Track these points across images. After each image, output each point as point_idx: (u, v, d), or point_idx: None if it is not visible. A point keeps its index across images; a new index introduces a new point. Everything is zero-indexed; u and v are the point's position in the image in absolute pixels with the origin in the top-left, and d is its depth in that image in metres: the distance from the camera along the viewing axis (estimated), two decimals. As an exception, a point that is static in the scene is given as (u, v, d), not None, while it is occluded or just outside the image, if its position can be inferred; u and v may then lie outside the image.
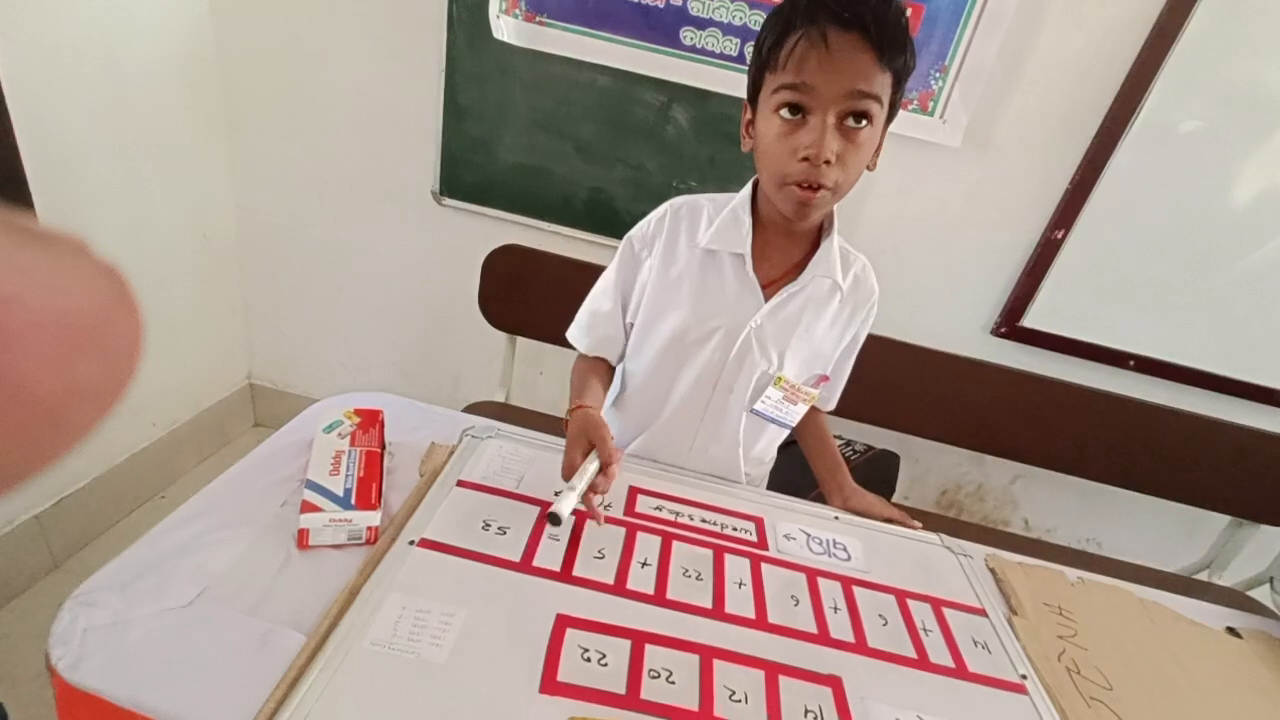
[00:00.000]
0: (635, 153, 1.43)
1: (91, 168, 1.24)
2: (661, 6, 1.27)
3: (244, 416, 1.88)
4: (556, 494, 0.63)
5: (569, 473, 0.68)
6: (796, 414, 0.88)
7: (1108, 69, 1.24)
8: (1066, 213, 1.36)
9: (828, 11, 0.63)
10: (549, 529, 0.64)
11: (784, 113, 0.67)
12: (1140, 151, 1.28)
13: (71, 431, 0.15)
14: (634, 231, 0.88)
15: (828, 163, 0.66)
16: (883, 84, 0.65)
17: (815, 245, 0.82)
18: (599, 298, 0.91)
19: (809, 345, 0.84)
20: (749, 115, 0.75)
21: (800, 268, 0.81)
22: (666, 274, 0.84)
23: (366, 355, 1.80)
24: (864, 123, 0.66)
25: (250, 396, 1.87)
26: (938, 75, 1.28)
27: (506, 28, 1.32)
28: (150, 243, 1.42)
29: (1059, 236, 1.38)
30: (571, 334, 0.93)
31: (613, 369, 0.94)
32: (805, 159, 0.66)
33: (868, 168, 0.72)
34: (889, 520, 0.86)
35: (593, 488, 0.66)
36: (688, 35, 1.29)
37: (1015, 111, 1.31)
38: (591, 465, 0.66)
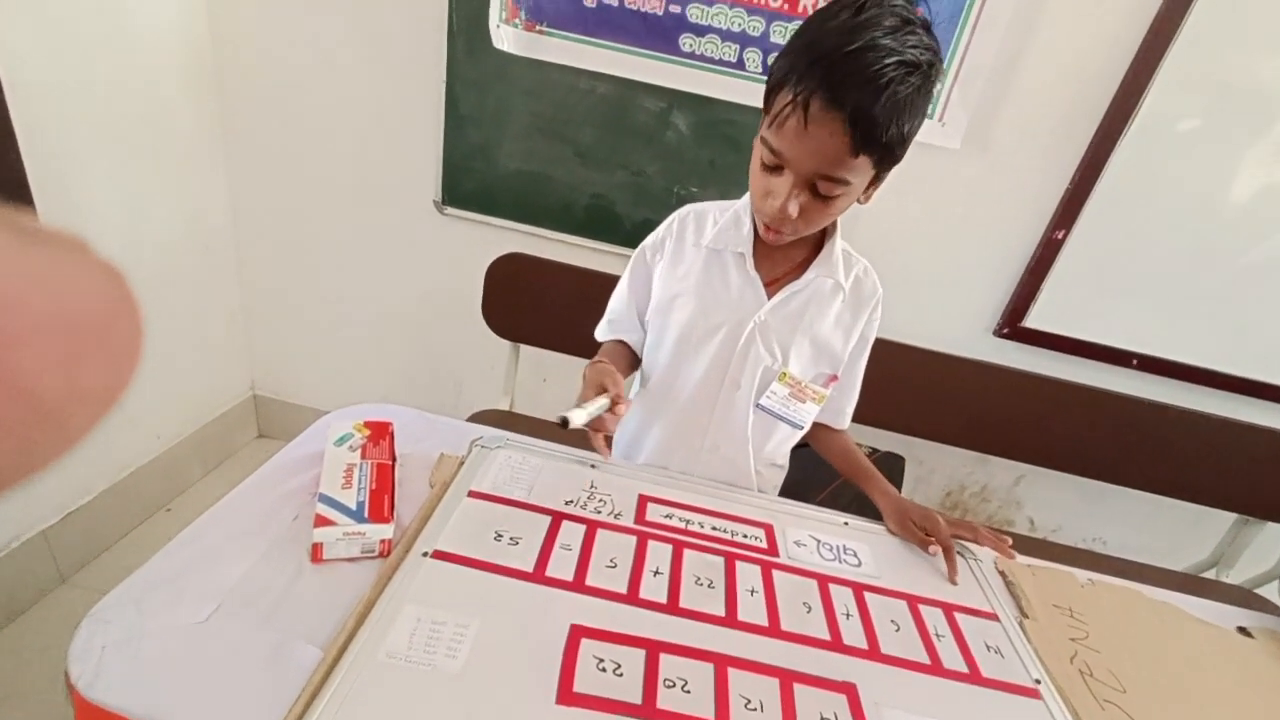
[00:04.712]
0: (636, 158, 1.43)
1: (91, 179, 1.25)
2: (660, 14, 1.28)
3: (248, 428, 1.88)
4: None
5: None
6: (806, 413, 0.89)
7: (1106, 68, 1.25)
8: (1067, 212, 1.36)
9: (819, 79, 0.60)
10: (559, 425, 0.66)
11: (764, 157, 0.69)
12: (1140, 150, 1.29)
13: (71, 432, 0.15)
14: (646, 241, 0.92)
15: (791, 217, 0.69)
16: (854, 168, 0.65)
17: (818, 246, 0.84)
18: (615, 303, 0.97)
19: (813, 343, 0.86)
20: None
21: (803, 268, 0.84)
22: (674, 273, 0.88)
23: (369, 364, 1.81)
24: (836, 192, 0.67)
25: (254, 407, 1.87)
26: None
27: (506, 37, 1.32)
28: (151, 254, 1.42)
29: (1060, 236, 1.38)
30: (598, 334, 1.00)
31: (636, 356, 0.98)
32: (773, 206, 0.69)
33: (860, 202, 0.73)
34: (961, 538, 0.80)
35: (600, 426, 0.71)
36: (687, 42, 1.30)
37: (1014, 112, 1.31)
38: (601, 398, 0.71)
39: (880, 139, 0.62)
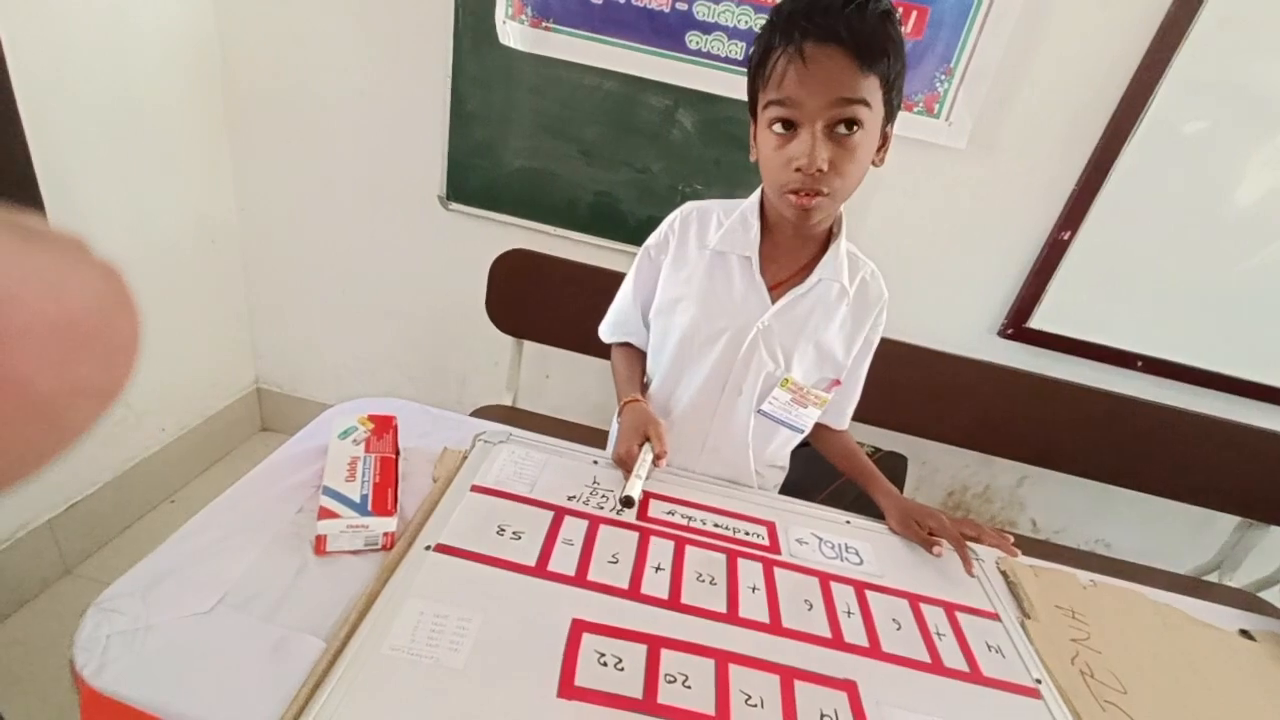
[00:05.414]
0: (641, 156, 1.43)
1: (99, 173, 1.25)
2: (667, 11, 1.28)
3: (251, 421, 1.88)
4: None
5: (628, 461, 0.76)
6: (808, 418, 0.89)
7: (1114, 70, 1.24)
8: (1073, 213, 1.35)
9: (802, 27, 0.64)
10: (622, 511, 0.73)
11: (776, 127, 0.70)
12: (1147, 152, 1.28)
13: (70, 430, 0.15)
14: (649, 240, 0.91)
15: (821, 171, 0.68)
16: (867, 88, 0.66)
17: (824, 249, 0.83)
18: (621, 302, 0.96)
19: (817, 348, 0.85)
20: (753, 127, 0.77)
21: (808, 271, 0.82)
22: (676, 275, 0.87)
23: (373, 359, 1.81)
24: (855, 129, 0.67)
25: (257, 401, 1.88)
26: (943, 78, 1.28)
27: (512, 33, 1.32)
28: (157, 248, 1.43)
29: (1065, 237, 1.37)
30: (602, 332, 1.00)
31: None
32: (799, 169, 0.68)
33: (874, 164, 0.74)
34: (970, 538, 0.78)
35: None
36: (693, 39, 1.30)
37: (1021, 113, 1.31)
38: (648, 456, 0.75)
39: (881, 52, 0.64)
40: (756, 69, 0.71)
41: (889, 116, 0.71)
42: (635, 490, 0.70)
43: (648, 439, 0.77)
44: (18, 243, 0.14)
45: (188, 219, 1.49)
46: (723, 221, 0.84)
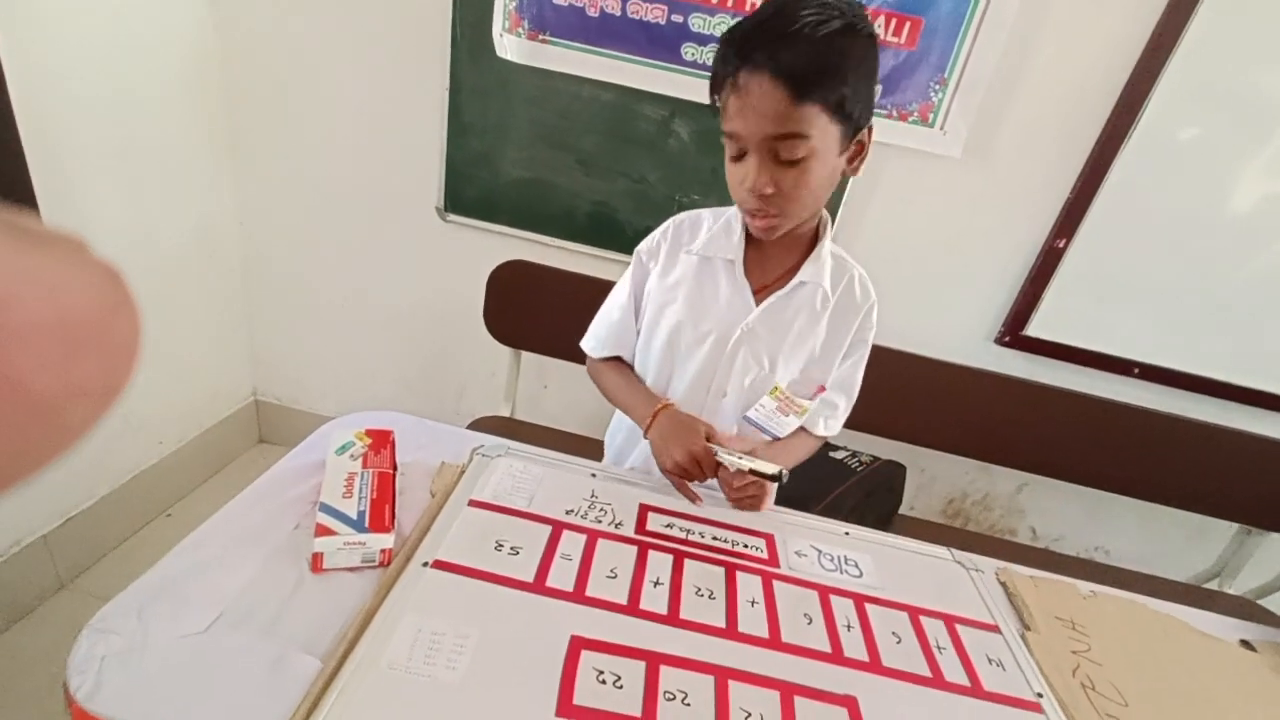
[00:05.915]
0: (637, 166, 1.44)
1: (96, 185, 1.25)
2: (662, 23, 1.28)
3: (249, 433, 1.88)
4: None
5: (688, 465, 0.76)
6: (788, 426, 0.88)
7: (1107, 77, 1.25)
8: (1068, 221, 1.36)
9: (741, 56, 0.64)
10: (777, 484, 0.74)
11: (730, 149, 0.71)
12: (1141, 159, 1.29)
13: (70, 431, 0.15)
14: (641, 245, 0.92)
15: (767, 194, 0.69)
16: (803, 118, 0.65)
17: (809, 253, 0.84)
18: (611, 308, 0.95)
19: (804, 352, 0.85)
20: None
21: (793, 274, 0.83)
22: (666, 280, 0.88)
23: (371, 370, 1.81)
24: (799, 154, 0.67)
25: (255, 413, 1.87)
26: (937, 87, 1.29)
27: (510, 46, 1.33)
28: (155, 259, 1.43)
29: (1061, 245, 1.38)
30: (587, 344, 0.97)
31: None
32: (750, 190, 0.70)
33: (850, 173, 0.74)
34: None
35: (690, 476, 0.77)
36: (689, 51, 1.30)
37: (1015, 121, 1.32)
38: (732, 449, 0.75)
39: (816, 81, 0.63)
40: (712, 93, 0.72)
41: (851, 133, 0.70)
42: (768, 466, 0.72)
43: (709, 438, 0.77)
44: (18, 243, 0.14)
45: (187, 230, 1.49)
46: (711, 228, 0.86)
